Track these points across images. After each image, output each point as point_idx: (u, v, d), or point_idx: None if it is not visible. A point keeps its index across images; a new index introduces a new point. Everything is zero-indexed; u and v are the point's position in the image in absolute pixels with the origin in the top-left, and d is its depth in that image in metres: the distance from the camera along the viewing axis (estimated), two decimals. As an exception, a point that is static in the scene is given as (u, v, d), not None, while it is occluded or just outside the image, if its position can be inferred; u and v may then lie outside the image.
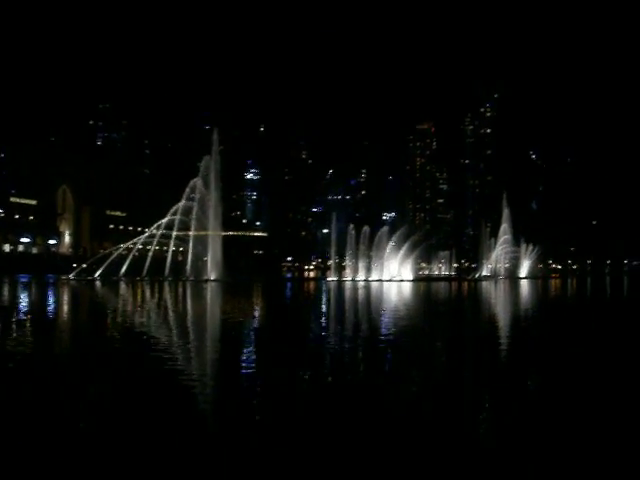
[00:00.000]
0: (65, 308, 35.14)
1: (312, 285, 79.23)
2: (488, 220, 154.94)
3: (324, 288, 65.93)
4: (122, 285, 62.73)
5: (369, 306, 38.80)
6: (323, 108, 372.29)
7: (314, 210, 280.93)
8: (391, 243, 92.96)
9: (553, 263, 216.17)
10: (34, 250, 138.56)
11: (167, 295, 48.39)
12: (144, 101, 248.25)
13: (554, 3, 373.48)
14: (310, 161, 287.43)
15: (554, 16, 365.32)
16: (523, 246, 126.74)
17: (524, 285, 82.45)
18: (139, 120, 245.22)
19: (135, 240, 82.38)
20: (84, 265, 78.92)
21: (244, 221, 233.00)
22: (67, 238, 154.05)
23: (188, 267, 77.04)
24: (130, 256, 77.92)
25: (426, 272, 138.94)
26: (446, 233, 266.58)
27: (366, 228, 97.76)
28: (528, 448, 8.25)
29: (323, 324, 26.22)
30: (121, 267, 75.63)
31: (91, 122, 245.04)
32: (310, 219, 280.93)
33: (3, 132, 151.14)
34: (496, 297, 53.67)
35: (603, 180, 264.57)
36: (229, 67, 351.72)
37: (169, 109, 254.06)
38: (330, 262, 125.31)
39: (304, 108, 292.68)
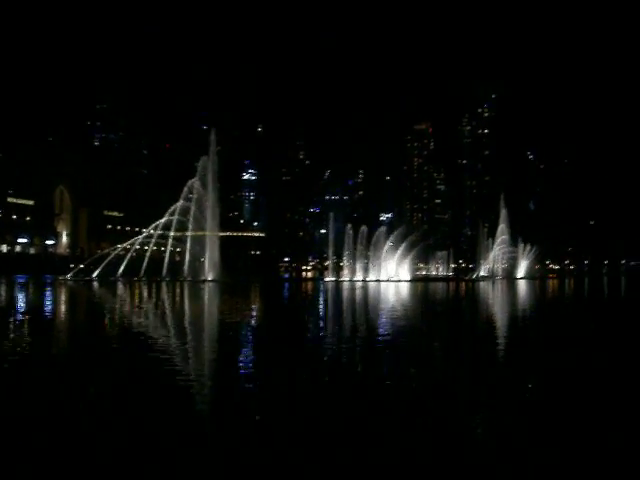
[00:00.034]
0: (62, 309, 35.12)
1: (310, 285, 79.23)
2: (486, 220, 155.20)
3: (322, 288, 65.94)
4: (119, 285, 62.69)
5: (366, 307, 38.81)
6: (321, 108, 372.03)
7: (312, 210, 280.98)
8: (389, 243, 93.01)
9: (551, 263, 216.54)
10: (31, 250, 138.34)
11: (164, 296, 48.38)
12: (142, 101, 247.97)
13: (552, 3, 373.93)
14: (308, 161, 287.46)
15: (551, 16, 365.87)
16: (520, 246, 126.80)
17: (521, 285, 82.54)
18: (136, 120, 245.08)
19: (132, 240, 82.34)
20: (81, 265, 78.89)
21: (242, 221, 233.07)
22: (64, 238, 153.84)
23: (185, 267, 77.06)
24: (128, 256, 77.88)
25: (424, 272, 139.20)
26: (444, 233, 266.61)
27: (364, 228, 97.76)
28: (524, 448, 8.28)
29: (320, 325, 26.23)
30: (119, 267, 75.57)
31: (89, 122, 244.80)
32: (308, 219, 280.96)
33: (0, 132, 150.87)
34: (493, 297, 53.71)
35: (601, 180, 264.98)
36: (227, 67, 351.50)
37: (166, 109, 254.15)
38: (328, 262, 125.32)
39: (302, 108, 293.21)
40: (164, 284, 66.12)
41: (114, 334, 21.56)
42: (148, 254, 78.42)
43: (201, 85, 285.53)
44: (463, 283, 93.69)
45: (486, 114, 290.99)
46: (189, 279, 73.32)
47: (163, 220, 78.66)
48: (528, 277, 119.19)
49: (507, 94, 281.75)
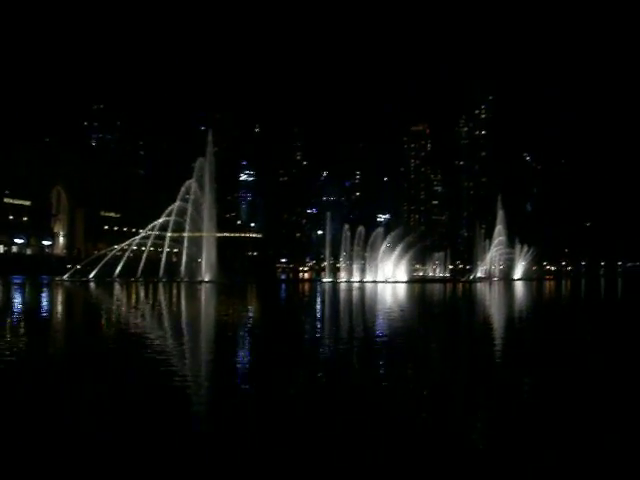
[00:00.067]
0: (58, 309, 35.06)
1: (307, 286, 79.23)
2: (483, 222, 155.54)
3: (319, 289, 65.95)
4: (116, 286, 62.63)
5: (363, 308, 38.82)
6: (318, 109, 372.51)
7: (309, 211, 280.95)
8: (386, 244, 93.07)
9: (547, 265, 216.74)
10: (28, 251, 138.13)
11: (161, 296, 48.34)
12: (139, 102, 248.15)
13: (548, 5, 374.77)
14: (305, 162, 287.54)
15: (548, 18, 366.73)
16: (518, 247, 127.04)
17: (518, 287, 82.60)
18: (133, 121, 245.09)
19: (129, 241, 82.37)
20: (78, 266, 78.84)
21: (239, 222, 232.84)
22: (61, 239, 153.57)
23: (182, 268, 77.04)
24: (124, 257, 77.90)
25: (421, 273, 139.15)
26: (441, 234, 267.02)
27: (361, 229, 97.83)
28: (520, 449, 8.28)
29: (317, 326, 26.23)
30: (115, 268, 75.57)
31: (85, 123, 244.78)
32: (305, 220, 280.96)
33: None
34: (490, 299, 53.75)
35: (597, 182, 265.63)
36: (224, 68, 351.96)
37: (164, 110, 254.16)
38: (325, 263, 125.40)
39: (299, 110, 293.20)
40: (161, 285, 66.07)
41: (110, 335, 21.52)
42: (145, 255, 78.39)
43: (198, 86, 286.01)
44: (460, 284, 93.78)
45: (483, 115, 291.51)
46: (186, 280, 73.28)
47: (160, 221, 78.65)
48: (525, 278, 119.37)
49: (504, 96, 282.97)
